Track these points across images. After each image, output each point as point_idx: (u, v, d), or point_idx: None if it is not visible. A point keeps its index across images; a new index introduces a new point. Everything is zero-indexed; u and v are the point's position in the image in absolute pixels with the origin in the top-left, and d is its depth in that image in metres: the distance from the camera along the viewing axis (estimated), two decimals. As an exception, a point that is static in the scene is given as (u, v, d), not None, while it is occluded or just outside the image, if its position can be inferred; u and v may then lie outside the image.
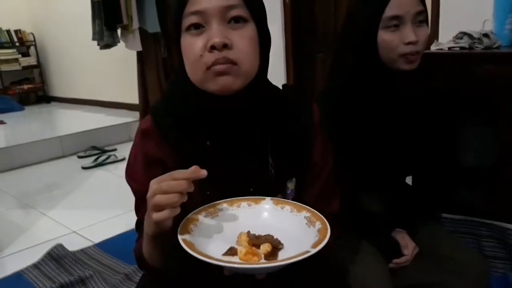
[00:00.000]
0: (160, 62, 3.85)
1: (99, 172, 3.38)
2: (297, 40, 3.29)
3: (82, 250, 2.05)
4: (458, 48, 1.75)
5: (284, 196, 0.86)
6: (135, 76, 4.03)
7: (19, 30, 6.21)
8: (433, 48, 1.86)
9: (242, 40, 0.73)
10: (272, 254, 0.67)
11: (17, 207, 2.73)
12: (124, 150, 3.80)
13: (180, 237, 0.66)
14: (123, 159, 3.55)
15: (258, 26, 0.76)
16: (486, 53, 1.69)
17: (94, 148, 3.91)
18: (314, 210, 0.74)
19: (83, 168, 3.44)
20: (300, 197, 0.88)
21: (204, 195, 0.79)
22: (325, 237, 0.65)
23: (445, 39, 1.90)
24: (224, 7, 0.72)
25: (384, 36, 1.04)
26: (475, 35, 1.74)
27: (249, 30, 0.75)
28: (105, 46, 3.81)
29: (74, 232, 2.30)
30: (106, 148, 3.92)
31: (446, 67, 1.72)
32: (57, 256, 1.97)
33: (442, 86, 1.44)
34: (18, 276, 1.87)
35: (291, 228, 0.73)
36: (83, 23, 4.20)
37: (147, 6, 3.55)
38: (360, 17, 1.08)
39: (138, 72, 3.98)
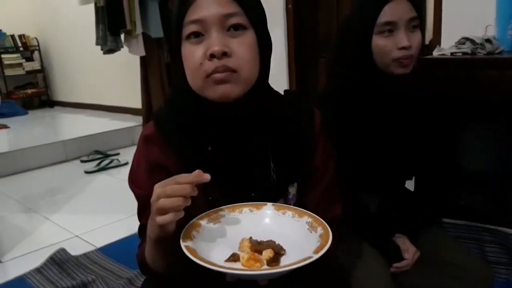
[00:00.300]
0: (163, 67, 3.86)
1: (102, 176, 3.39)
2: (300, 45, 3.29)
3: (84, 255, 2.05)
4: (460, 54, 1.75)
5: (286, 201, 0.86)
6: (138, 81, 4.04)
7: (23, 35, 6.25)
8: (435, 53, 1.87)
9: (242, 47, 0.74)
10: (274, 260, 0.67)
11: (20, 211, 2.74)
12: (127, 155, 3.81)
13: (182, 244, 0.66)
14: (126, 164, 3.56)
15: (258, 33, 0.77)
16: (489, 59, 1.69)
17: (97, 152, 3.92)
18: (316, 216, 0.74)
19: (86, 172, 3.45)
20: (302, 202, 0.88)
21: (206, 200, 0.80)
22: (327, 242, 0.65)
23: (447, 45, 1.90)
24: (223, 15, 0.73)
25: (378, 41, 1.07)
26: (478, 41, 1.74)
27: (249, 37, 0.75)
28: (109, 51, 3.82)
29: (77, 236, 2.30)
30: (109, 153, 3.93)
31: (448, 72, 1.72)
32: (59, 260, 1.98)
33: (445, 91, 1.44)
34: (20, 281, 1.87)
35: (293, 233, 0.73)
36: (87, 28, 4.23)
37: (150, 12, 3.56)
38: (356, 23, 1.11)
39: (141, 77, 3.99)
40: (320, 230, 0.70)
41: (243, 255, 0.67)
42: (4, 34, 6.06)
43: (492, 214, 1.79)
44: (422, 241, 1.19)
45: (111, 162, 3.59)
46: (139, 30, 3.56)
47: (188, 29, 0.74)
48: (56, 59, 6.26)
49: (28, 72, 6.24)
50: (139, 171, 0.85)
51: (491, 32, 1.89)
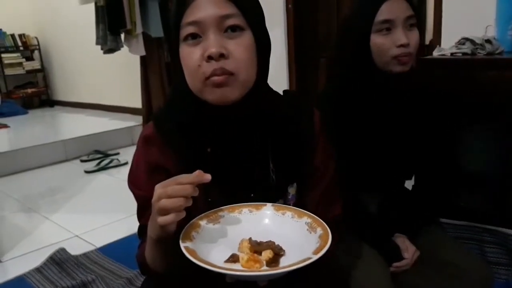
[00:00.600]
0: (163, 67, 3.86)
1: (102, 176, 3.39)
2: (300, 45, 3.29)
3: (84, 254, 2.05)
4: (460, 54, 1.75)
5: (285, 201, 0.86)
6: (138, 80, 4.04)
7: (23, 34, 6.24)
8: (436, 53, 1.87)
9: (239, 48, 0.74)
10: (273, 261, 0.67)
11: (20, 211, 2.74)
12: (127, 154, 3.81)
13: (182, 245, 0.66)
14: (126, 163, 3.56)
15: (256, 34, 0.77)
16: (489, 59, 1.69)
17: (97, 152, 3.92)
18: (315, 216, 0.74)
19: (86, 172, 3.45)
20: (301, 202, 0.88)
21: (206, 201, 0.80)
22: (326, 243, 0.65)
23: (448, 45, 1.90)
24: (220, 17, 0.73)
25: (377, 40, 1.08)
26: (478, 41, 1.74)
27: (246, 38, 0.75)
28: (109, 50, 3.82)
29: (77, 236, 2.30)
30: (109, 152, 3.93)
31: (448, 72, 1.72)
32: (59, 260, 1.98)
33: (444, 91, 1.44)
34: (20, 280, 1.87)
35: (292, 234, 0.73)
36: (87, 28, 4.23)
37: (150, 11, 3.56)
38: (354, 22, 1.12)
39: (141, 77, 3.99)
40: (319, 230, 0.70)
41: (243, 256, 0.67)
42: (4, 33, 6.06)
43: (492, 214, 1.79)
44: (422, 241, 1.19)
45: (111, 161, 3.59)
46: (139, 29, 3.56)
47: (186, 30, 0.74)
48: (56, 59, 6.26)
49: (28, 72, 6.24)
50: (138, 172, 0.85)
51: (491, 33, 1.89)
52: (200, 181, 0.66)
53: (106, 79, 5.30)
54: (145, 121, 4.05)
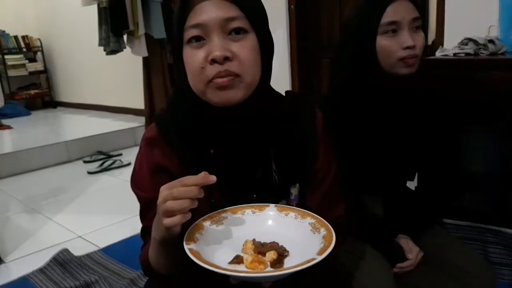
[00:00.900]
0: (166, 68, 3.87)
1: (105, 177, 3.39)
2: (302, 46, 3.30)
3: (87, 255, 2.06)
4: (463, 54, 1.75)
5: (288, 202, 0.86)
6: (141, 81, 4.05)
7: (27, 36, 6.27)
8: (438, 54, 1.87)
9: (243, 51, 0.74)
10: (278, 262, 0.67)
11: (23, 212, 2.75)
12: (130, 155, 3.81)
13: (186, 246, 0.66)
14: (128, 164, 3.57)
15: (259, 36, 0.77)
16: (492, 59, 1.69)
17: (100, 153, 3.93)
18: (319, 217, 0.74)
19: (89, 173, 3.46)
20: (304, 202, 0.88)
21: (209, 202, 0.80)
22: (330, 243, 0.65)
23: (451, 45, 1.90)
24: (224, 19, 0.73)
25: (383, 42, 1.07)
26: (481, 41, 1.74)
27: (250, 40, 0.75)
28: (111, 51, 3.83)
29: (80, 237, 2.31)
30: (112, 153, 3.94)
31: (451, 73, 1.72)
32: (62, 261, 1.98)
33: (447, 92, 1.44)
34: (24, 281, 1.88)
35: (296, 235, 0.73)
36: (90, 29, 4.24)
37: (153, 13, 3.57)
38: (359, 24, 1.11)
39: (144, 78, 4.00)
40: (323, 231, 0.70)
41: (247, 257, 0.67)
42: (8, 35, 6.09)
43: (495, 215, 1.78)
44: (425, 242, 1.19)
45: (113, 162, 3.59)
46: (141, 31, 3.57)
47: (189, 33, 0.74)
48: (59, 60, 6.28)
49: (31, 73, 6.27)
50: (141, 173, 0.85)
51: (494, 33, 1.89)
52: (205, 183, 0.66)
53: (109, 80, 5.31)
54: (148, 122, 4.06)
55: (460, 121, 1.69)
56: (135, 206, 0.87)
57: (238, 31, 0.74)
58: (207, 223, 0.74)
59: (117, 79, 5.13)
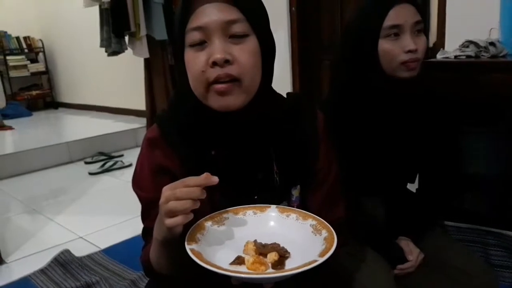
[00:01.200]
0: (167, 69, 3.87)
1: (106, 178, 3.40)
2: (304, 47, 3.30)
3: (88, 256, 2.06)
4: (464, 57, 1.75)
5: (289, 203, 0.86)
6: (142, 82, 4.06)
7: (28, 36, 6.29)
8: (439, 56, 1.87)
9: (244, 54, 0.74)
10: (279, 263, 0.67)
11: (24, 212, 2.75)
12: (131, 156, 3.82)
13: (187, 247, 0.66)
14: (130, 165, 3.57)
15: (260, 39, 0.77)
16: (493, 62, 1.69)
17: (101, 154, 3.93)
18: (320, 218, 0.74)
19: (90, 174, 3.47)
20: (305, 203, 0.88)
21: (210, 203, 0.80)
22: (332, 245, 0.65)
23: (451, 48, 1.90)
24: (225, 22, 0.73)
25: (385, 45, 1.07)
26: (482, 44, 1.74)
27: (251, 43, 0.75)
28: (113, 53, 3.84)
29: (81, 237, 2.31)
30: (113, 154, 3.94)
31: (452, 75, 1.72)
32: (63, 261, 1.99)
33: (448, 94, 1.44)
34: (25, 281, 1.88)
35: (297, 236, 0.73)
36: (91, 30, 4.25)
37: (154, 14, 3.58)
38: (361, 27, 1.11)
39: (146, 79, 4.01)
40: (324, 233, 0.70)
41: (248, 258, 0.67)
42: (10, 36, 6.11)
43: (496, 217, 1.78)
44: (426, 244, 1.19)
45: (115, 163, 3.60)
46: (143, 32, 3.57)
47: (191, 36, 0.75)
48: (61, 61, 6.29)
49: (33, 74, 6.28)
50: (142, 174, 0.86)
51: (495, 35, 1.89)
52: (208, 184, 0.67)
53: (110, 81, 5.32)
54: (149, 123, 4.06)
55: (460, 123, 1.69)
56: (136, 207, 0.88)
57: (239, 34, 0.74)
58: (208, 224, 0.75)
59: (119, 80, 5.13)
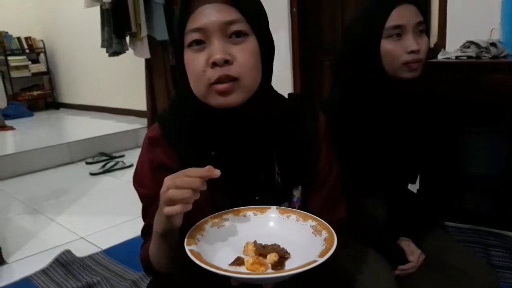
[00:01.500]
0: (168, 69, 3.88)
1: (107, 178, 3.40)
2: (304, 48, 3.30)
3: (89, 256, 2.06)
4: (465, 57, 1.75)
5: (291, 204, 0.86)
6: (143, 83, 4.06)
7: (30, 37, 6.30)
8: (440, 57, 1.87)
9: (244, 54, 0.74)
10: (279, 264, 0.67)
11: (25, 213, 2.76)
12: (132, 157, 3.82)
13: (187, 248, 0.66)
14: (131, 166, 3.57)
15: (260, 39, 0.77)
16: (494, 62, 1.69)
17: (102, 154, 3.94)
18: (320, 219, 0.74)
19: (91, 174, 3.47)
20: (306, 204, 0.88)
21: (210, 204, 0.80)
22: (332, 246, 0.65)
23: (452, 48, 1.91)
24: (224, 23, 0.73)
25: (387, 46, 1.07)
26: (483, 44, 1.74)
27: (250, 43, 0.75)
28: (114, 53, 3.85)
29: (82, 238, 2.31)
30: (114, 155, 3.94)
31: (453, 76, 1.72)
32: (65, 262, 1.99)
33: (449, 94, 1.44)
34: (26, 282, 1.88)
35: (297, 237, 0.73)
36: (92, 31, 4.26)
37: (155, 14, 3.58)
38: (363, 28, 1.11)
39: (146, 79, 4.01)
40: (324, 233, 0.70)
41: (248, 259, 0.67)
42: (11, 36, 6.12)
43: (497, 217, 1.78)
44: (427, 245, 1.19)
45: (116, 164, 3.60)
46: (144, 32, 3.58)
47: (190, 37, 0.75)
48: (62, 61, 6.30)
49: (34, 74, 6.29)
50: (143, 171, 0.86)
51: (496, 36, 1.89)
52: (209, 176, 0.66)
53: (111, 82, 5.32)
54: (150, 124, 4.07)
55: (462, 123, 1.69)
56: (138, 207, 0.88)
57: (239, 34, 0.74)
58: (208, 225, 0.75)
59: (120, 80, 5.14)
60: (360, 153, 1.14)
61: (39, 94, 6.42)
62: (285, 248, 0.71)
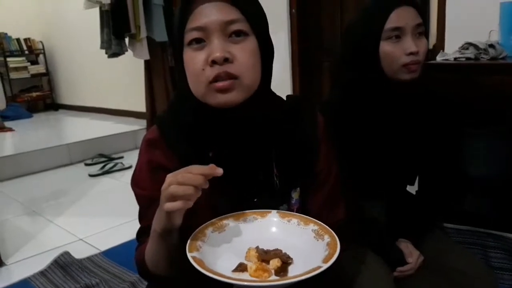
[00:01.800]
0: (167, 71, 3.88)
1: (106, 179, 3.40)
2: (304, 49, 3.30)
3: (88, 258, 2.06)
4: (464, 59, 1.76)
5: (289, 206, 0.86)
6: (143, 84, 4.06)
7: (29, 38, 6.30)
8: (439, 58, 1.87)
9: (243, 53, 0.74)
10: (282, 270, 0.67)
11: (24, 214, 2.75)
12: (131, 158, 3.82)
13: (189, 254, 0.66)
14: (130, 167, 3.57)
15: (259, 39, 0.77)
16: (492, 64, 1.69)
17: (101, 155, 3.93)
18: (322, 223, 0.74)
19: (90, 175, 3.47)
20: (305, 206, 0.88)
21: (209, 206, 0.80)
22: (335, 251, 0.65)
23: (451, 50, 1.91)
24: (224, 22, 0.73)
25: (386, 47, 1.07)
26: (481, 46, 1.74)
27: (250, 43, 0.76)
28: (113, 54, 3.85)
29: (81, 239, 2.31)
30: (113, 156, 3.94)
31: (451, 77, 1.73)
32: (63, 263, 1.99)
33: (448, 96, 1.45)
34: (24, 283, 1.88)
35: (299, 242, 0.73)
36: (92, 32, 4.26)
37: (154, 16, 3.58)
38: (362, 29, 1.11)
39: (146, 81, 4.01)
40: (327, 238, 0.70)
41: (251, 266, 0.67)
42: (10, 37, 6.12)
43: (496, 219, 1.78)
44: (426, 247, 1.19)
45: (115, 165, 3.60)
46: (143, 34, 3.58)
47: (190, 35, 0.75)
48: (61, 63, 6.30)
49: (33, 76, 6.29)
50: (141, 172, 0.85)
51: (495, 38, 1.89)
52: (212, 174, 0.66)
53: (111, 83, 5.32)
54: (149, 125, 4.07)
55: (461, 125, 1.69)
56: (136, 209, 0.88)
57: (238, 33, 0.74)
58: (209, 230, 0.74)
59: (119, 82, 5.14)
60: (360, 154, 1.14)
61: (38, 95, 6.41)
62: (287, 253, 0.70)
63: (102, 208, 2.77)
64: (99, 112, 5.63)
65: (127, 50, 3.82)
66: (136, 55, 3.76)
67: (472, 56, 1.74)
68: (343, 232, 0.80)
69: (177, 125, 0.83)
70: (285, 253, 0.70)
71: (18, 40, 6.19)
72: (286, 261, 0.68)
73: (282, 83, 3.26)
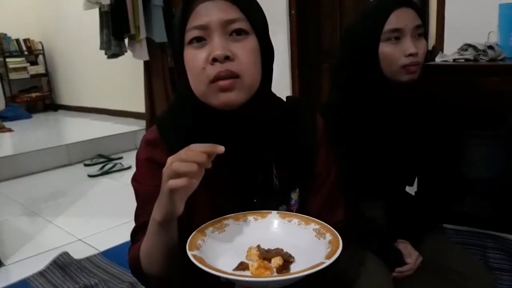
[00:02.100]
0: (166, 72, 3.88)
1: (105, 180, 3.40)
2: (303, 50, 3.30)
3: (87, 258, 2.06)
4: (463, 60, 1.76)
5: (288, 206, 0.86)
6: (142, 85, 4.06)
7: (28, 39, 6.30)
8: (438, 59, 1.87)
9: (244, 52, 0.74)
10: (284, 268, 0.67)
11: (23, 215, 2.75)
12: (130, 159, 3.82)
13: (189, 253, 0.65)
14: (129, 167, 3.57)
15: (260, 39, 0.77)
16: (491, 65, 1.69)
17: (100, 156, 3.93)
18: (323, 222, 0.74)
19: (89, 176, 3.46)
20: (304, 207, 0.88)
21: (209, 206, 0.80)
22: (337, 248, 0.65)
23: (450, 51, 1.91)
24: (225, 21, 0.73)
25: (386, 49, 1.07)
26: (480, 47, 1.74)
27: (251, 42, 0.76)
28: (113, 55, 3.85)
29: (80, 240, 2.31)
30: (112, 157, 3.94)
31: (450, 79, 1.73)
32: (62, 264, 1.99)
33: (447, 97, 1.45)
34: (23, 284, 1.88)
35: (301, 241, 0.73)
36: (91, 33, 4.26)
37: (154, 17, 3.59)
38: (361, 31, 1.11)
39: (145, 81, 4.01)
40: (329, 236, 0.70)
41: (253, 263, 0.66)
42: (9, 38, 6.12)
43: (495, 220, 1.78)
44: (425, 247, 1.19)
45: (114, 166, 3.60)
46: (143, 34, 3.58)
47: (191, 34, 0.75)
48: (60, 63, 6.30)
49: (33, 76, 6.29)
50: (141, 169, 0.85)
51: (494, 39, 1.90)
52: (213, 152, 0.66)
53: (110, 84, 5.32)
54: (149, 126, 4.07)
55: (460, 126, 1.69)
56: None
57: (239, 32, 0.75)
58: (209, 230, 0.74)
59: (118, 82, 5.14)
60: (359, 155, 1.14)
61: (38, 96, 6.41)
62: (289, 252, 0.70)
63: (101, 208, 2.77)
64: (98, 113, 5.63)
65: (126, 51, 3.82)
66: (136, 56, 3.76)
67: (471, 57, 1.74)
68: (342, 232, 0.80)
69: (177, 127, 0.83)
70: (287, 252, 0.70)
71: (17, 40, 6.20)
72: (288, 260, 0.68)
73: (281, 84, 3.26)
